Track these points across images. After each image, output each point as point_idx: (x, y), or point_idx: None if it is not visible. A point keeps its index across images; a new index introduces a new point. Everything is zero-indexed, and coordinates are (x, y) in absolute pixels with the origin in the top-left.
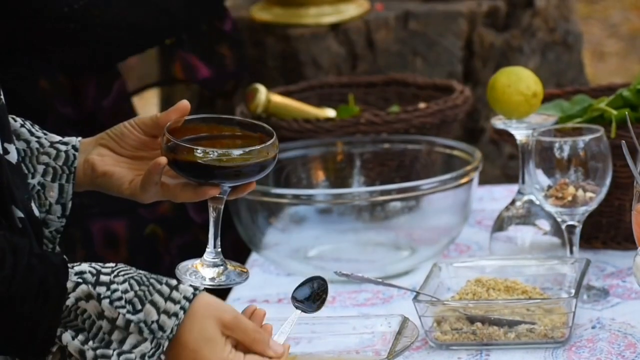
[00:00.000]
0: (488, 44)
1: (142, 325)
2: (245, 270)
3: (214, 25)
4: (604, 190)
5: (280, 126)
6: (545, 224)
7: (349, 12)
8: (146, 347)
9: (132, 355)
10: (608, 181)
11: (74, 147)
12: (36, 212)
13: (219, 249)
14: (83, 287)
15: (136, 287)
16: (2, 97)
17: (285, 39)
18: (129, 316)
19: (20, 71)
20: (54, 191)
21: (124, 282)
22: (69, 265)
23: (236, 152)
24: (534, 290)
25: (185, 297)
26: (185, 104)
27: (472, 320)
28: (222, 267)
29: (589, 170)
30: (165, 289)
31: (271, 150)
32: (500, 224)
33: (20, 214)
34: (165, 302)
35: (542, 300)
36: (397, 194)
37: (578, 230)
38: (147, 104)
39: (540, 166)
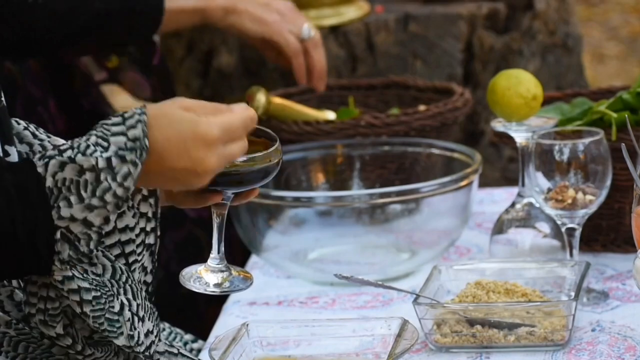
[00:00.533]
0: (488, 47)
1: (120, 152)
2: (249, 275)
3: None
4: (604, 193)
5: (280, 128)
6: (545, 227)
7: (349, 14)
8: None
9: (125, 169)
10: (608, 184)
11: (87, 137)
12: None
13: (223, 255)
14: (52, 161)
15: (93, 133)
16: (2, 98)
17: None
18: (104, 155)
19: None
20: None
21: (81, 138)
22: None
23: (239, 159)
24: (533, 293)
25: (137, 112)
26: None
27: (472, 322)
28: (226, 273)
29: (589, 173)
30: (116, 119)
31: (274, 156)
32: (500, 227)
33: None
34: (124, 124)
35: (541, 303)
36: (397, 197)
37: (578, 233)
38: None
39: (540, 169)
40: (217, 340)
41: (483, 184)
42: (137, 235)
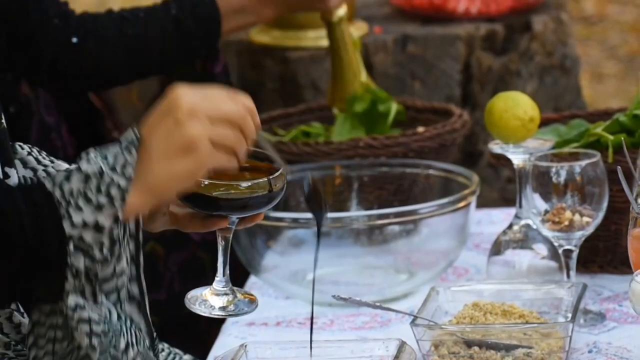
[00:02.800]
0: (486, 68)
1: (118, 156)
2: (254, 298)
3: (205, 67)
4: (601, 215)
5: (279, 149)
6: (542, 248)
7: None
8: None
9: (121, 159)
10: (605, 206)
11: (86, 153)
12: None
13: (228, 278)
14: (59, 173)
15: (95, 150)
16: (3, 120)
17: (284, 61)
18: (106, 161)
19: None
20: None
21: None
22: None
23: (244, 185)
24: (530, 315)
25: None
26: None
27: (469, 344)
28: (231, 296)
29: (586, 195)
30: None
31: (279, 181)
32: (497, 248)
33: None
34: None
35: (539, 324)
36: (395, 218)
37: (575, 255)
38: None
39: (538, 191)
40: None
41: (481, 204)
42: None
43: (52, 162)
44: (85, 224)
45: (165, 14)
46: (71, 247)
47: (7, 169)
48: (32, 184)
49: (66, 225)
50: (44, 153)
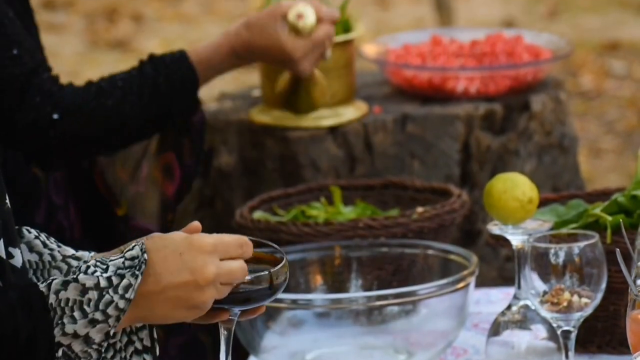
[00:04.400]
0: (485, 147)
1: (119, 271)
2: None
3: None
4: (599, 296)
5: (279, 229)
6: (541, 329)
7: (347, 115)
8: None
9: (126, 281)
10: (603, 286)
11: (85, 263)
12: None
13: None
14: (56, 280)
15: (91, 261)
16: (7, 201)
17: (284, 141)
18: (105, 274)
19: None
20: None
21: (82, 263)
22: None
23: (246, 278)
24: None
25: (133, 242)
26: (196, 225)
27: None
28: None
29: (585, 276)
30: (114, 251)
31: (281, 274)
32: (496, 329)
33: None
34: (122, 251)
35: None
36: (394, 299)
37: (573, 336)
38: None
39: (536, 271)
40: None
41: (480, 283)
42: None
43: (59, 246)
44: (76, 335)
45: (142, 79)
46: (60, 353)
47: (10, 249)
48: (30, 285)
49: (57, 333)
50: (52, 238)
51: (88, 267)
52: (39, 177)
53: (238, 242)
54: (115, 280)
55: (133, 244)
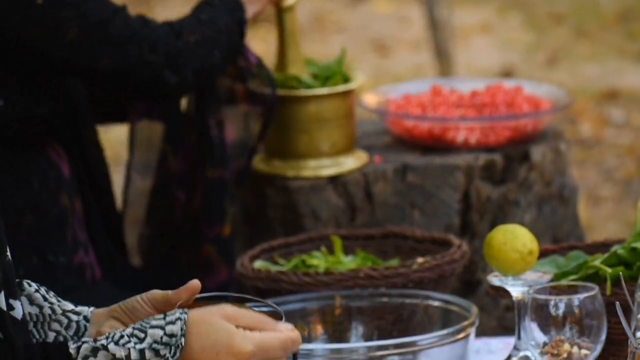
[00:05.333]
0: (485, 197)
1: (154, 345)
2: None
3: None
4: (599, 347)
5: (280, 279)
6: None
7: (348, 164)
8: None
9: None
10: (603, 338)
11: (85, 317)
12: None
13: None
14: (85, 345)
15: (130, 325)
16: (8, 254)
17: (285, 190)
18: (139, 346)
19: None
20: None
21: (117, 330)
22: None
23: None
24: None
25: (179, 311)
26: (196, 283)
27: None
28: None
29: (584, 328)
30: (158, 316)
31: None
32: None
33: None
34: (164, 319)
35: None
36: (394, 349)
37: None
38: None
39: (536, 323)
40: None
41: (480, 332)
42: None
43: (58, 300)
44: None
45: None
46: None
47: (11, 301)
48: (59, 344)
49: None
50: (52, 292)
51: (122, 336)
52: (66, 207)
53: (282, 345)
54: (148, 355)
55: (177, 315)
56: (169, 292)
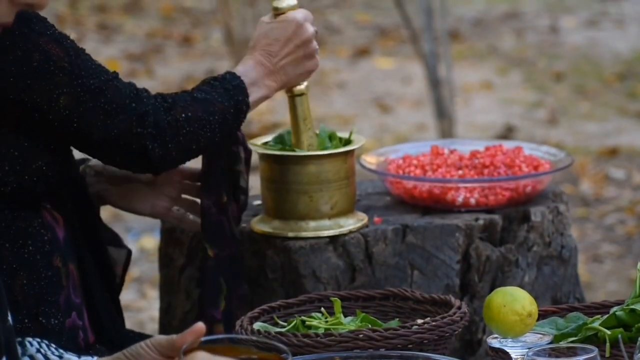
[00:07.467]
0: (484, 258)
1: None
2: None
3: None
4: None
5: (279, 341)
6: None
7: (348, 225)
8: None
9: None
10: None
11: None
12: None
13: None
14: None
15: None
16: (9, 318)
17: (285, 251)
18: None
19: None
20: None
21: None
22: None
23: None
24: None
25: None
26: (200, 326)
27: None
28: None
29: None
30: None
31: None
32: None
33: None
34: None
35: None
36: None
37: None
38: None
39: None
40: None
41: None
42: None
43: (60, 357)
44: None
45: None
46: None
47: None
48: None
49: None
50: (53, 346)
51: None
52: (60, 270)
53: None
54: None
55: None
56: (174, 336)
